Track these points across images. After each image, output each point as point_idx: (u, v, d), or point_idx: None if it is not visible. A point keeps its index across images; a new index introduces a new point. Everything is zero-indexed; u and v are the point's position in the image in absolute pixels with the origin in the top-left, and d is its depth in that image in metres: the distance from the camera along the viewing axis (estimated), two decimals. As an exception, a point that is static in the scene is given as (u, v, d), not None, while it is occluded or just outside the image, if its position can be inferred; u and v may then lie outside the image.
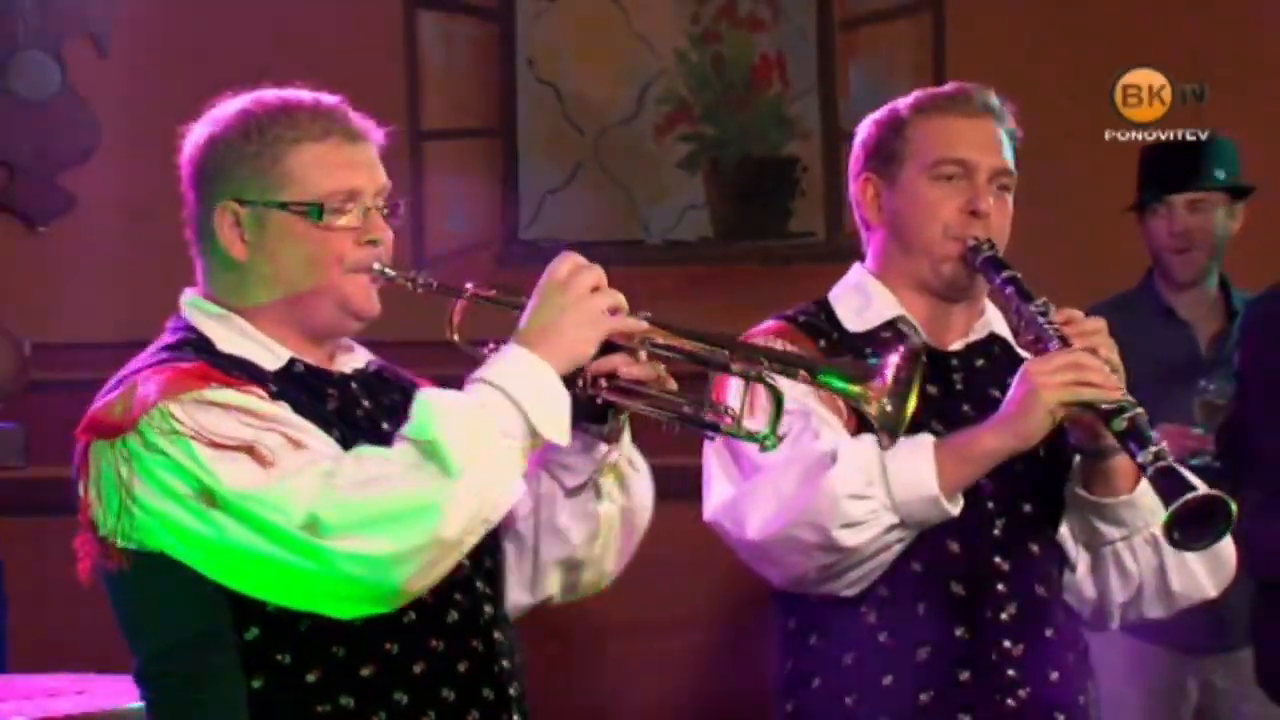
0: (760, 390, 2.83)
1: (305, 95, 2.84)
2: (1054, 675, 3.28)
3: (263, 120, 2.79)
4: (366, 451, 2.65)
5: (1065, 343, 3.16)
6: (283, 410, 2.69)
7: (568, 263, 2.74)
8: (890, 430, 2.85)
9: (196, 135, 2.83)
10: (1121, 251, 5.63)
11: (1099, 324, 3.21)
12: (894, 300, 3.37)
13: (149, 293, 6.06)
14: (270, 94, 2.84)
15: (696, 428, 2.85)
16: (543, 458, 2.82)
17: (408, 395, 2.84)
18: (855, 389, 2.84)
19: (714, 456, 3.32)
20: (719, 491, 3.28)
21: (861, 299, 3.39)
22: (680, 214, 6.50)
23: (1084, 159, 5.86)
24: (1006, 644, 3.25)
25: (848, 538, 3.15)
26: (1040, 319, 3.20)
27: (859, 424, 3.22)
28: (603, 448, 2.84)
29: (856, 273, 3.44)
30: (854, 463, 3.14)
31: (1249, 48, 6.43)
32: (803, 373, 2.86)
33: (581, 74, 6.47)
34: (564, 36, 6.48)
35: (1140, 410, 3.07)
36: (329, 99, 2.84)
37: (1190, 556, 3.27)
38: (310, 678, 2.70)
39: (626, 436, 2.87)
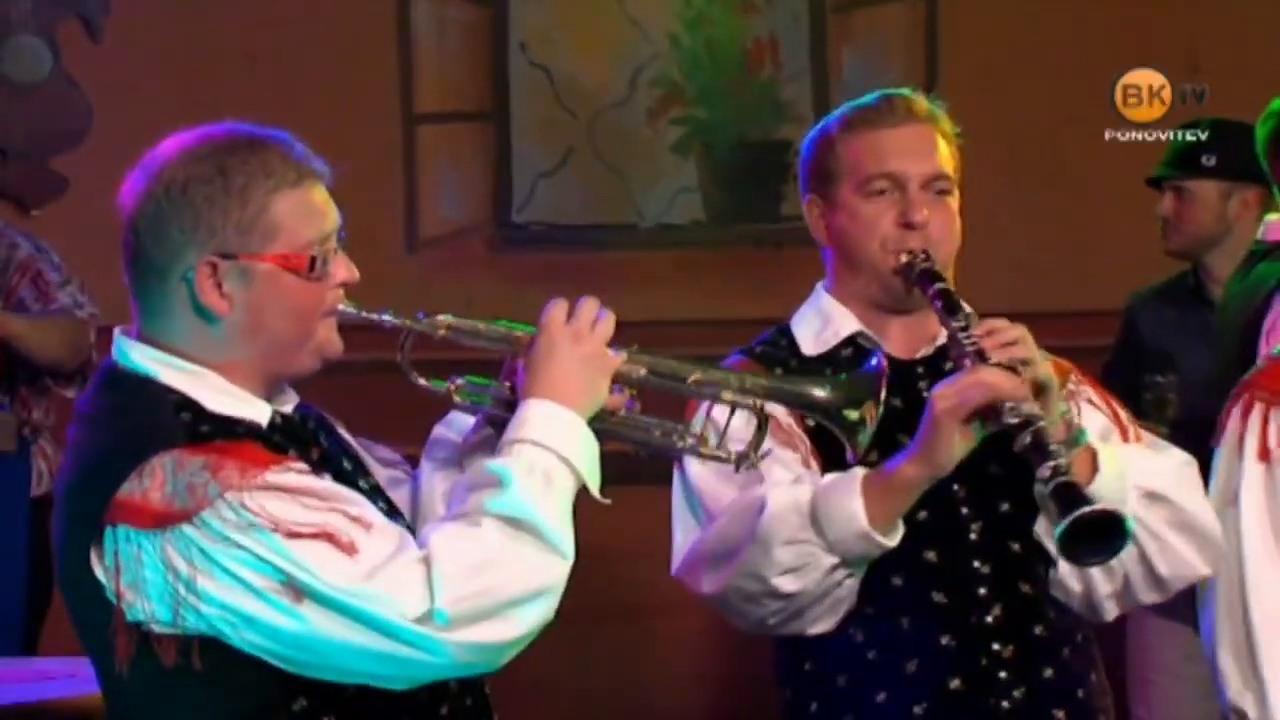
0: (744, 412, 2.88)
1: (259, 132, 2.71)
2: (1048, 672, 3.20)
3: (231, 165, 2.66)
4: (451, 532, 2.59)
5: (981, 357, 3.06)
6: (329, 484, 2.62)
7: (562, 308, 2.74)
8: (867, 443, 2.86)
9: (149, 181, 2.67)
10: (1121, 249, 5.61)
11: (1018, 332, 3.10)
12: (851, 316, 3.32)
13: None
14: (220, 132, 2.70)
15: (669, 453, 2.88)
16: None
17: (318, 418, 2.85)
18: (853, 415, 2.82)
19: (677, 513, 3.28)
20: (678, 544, 3.25)
21: (820, 321, 3.34)
22: (673, 198, 6.49)
23: (1084, 159, 5.83)
24: (995, 647, 3.18)
25: (788, 584, 3.10)
26: (960, 335, 3.11)
27: (821, 455, 3.19)
28: None
29: (816, 294, 3.40)
30: (785, 508, 3.08)
31: (1249, 48, 6.40)
32: (758, 388, 2.84)
33: (574, 57, 6.48)
34: (556, 20, 6.48)
35: (1043, 424, 2.98)
36: (281, 135, 2.72)
37: (1174, 538, 3.20)
38: None
39: None
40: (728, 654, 6.06)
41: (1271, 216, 4.77)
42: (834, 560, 3.09)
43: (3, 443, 5.22)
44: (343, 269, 2.72)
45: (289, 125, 2.78)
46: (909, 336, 3.32)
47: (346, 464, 2.79)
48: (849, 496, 3.07)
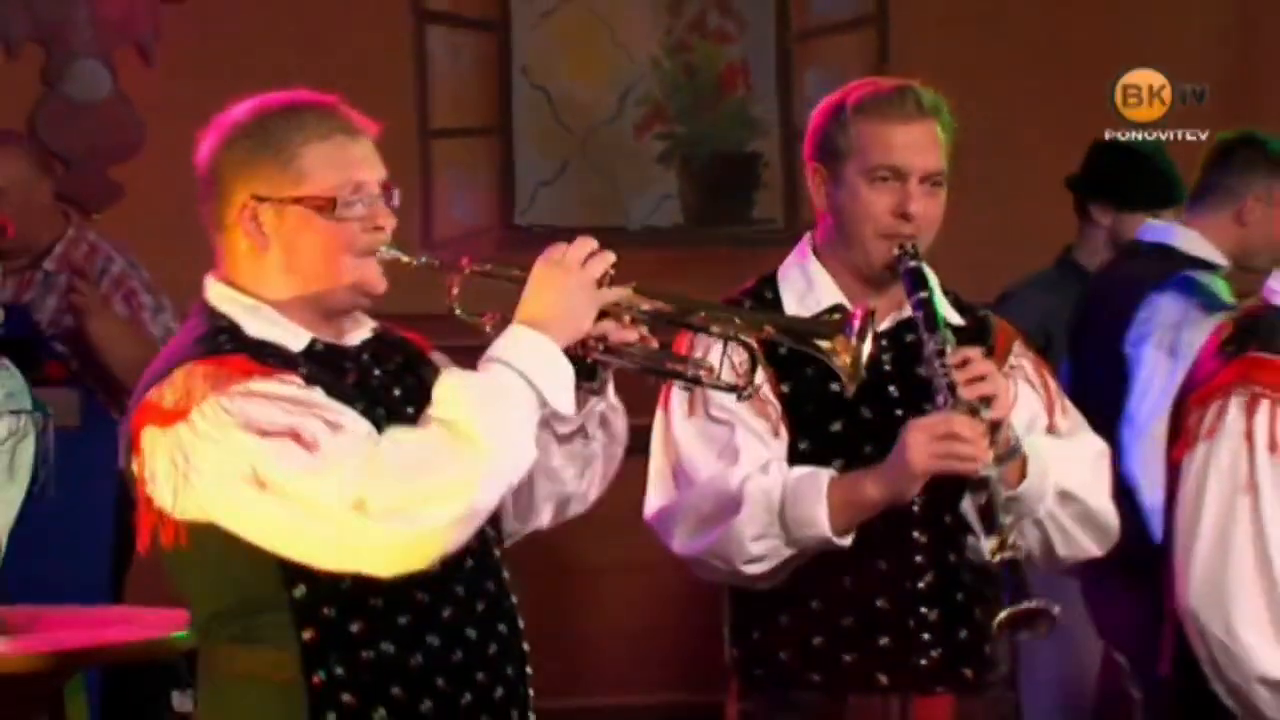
0: (736, 346, 2.87)
1: (308, 96, 2.79)
2: (963, 634, 3.21)
3: (271, 122, 2.74)
4: (401, 435, 2.62)
5: (953, 392, 3.06)
6: (317, 395, 2.65)
7: (560, 247, 2.72)
8: (851, 378, 2.83)
9: (212, 139, 2.77)
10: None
11: (987, 368, 3.10)
12: (833, 286, 3.28)
13: (190, 271, 6.02)
14: (276, 97, 2.79)
15: (679, 381, 2.87)
16: None
17: (408, 355, 2.88)
18: (825, 345, 2.81)
19: (655, 458, 3.28)
20: (654, 497, 3.25)
21: (804, 282, 3.31)
22: (657, 203, 6.52)
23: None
24: (923, 610, 3.19)
25: (752, 569, 3.15)
26: (936, 360, 3.09)
27: (791, 420, 3.21)
28: (591, 400, 2.83)
29: (804, 251, 3.36)
30: (759, 507, 3.11)
31: (1249, 48, 6.26)
32: (769, 329, 2.84)
33: (570, 79, 6.51)
34: (555, 47, 6.51)
35: (999, 489, 3.03)
36: (328, 98, 2.79)
37: (1077, 531, 3.23)
38: (354, 628, 2.68)
39: (610, 385, 2.86)
40: (704, 605, 6.05)
41: (1154, 220, 4.74)
42: (793, 553, 3.14)
43: (69, 418, 5.21)
44: (382, 215, 2.76)
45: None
46: (881, 308, 3.28)
47: (398, 391, 2.80)
48: (815, 506, 3.11)
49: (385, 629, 2.69)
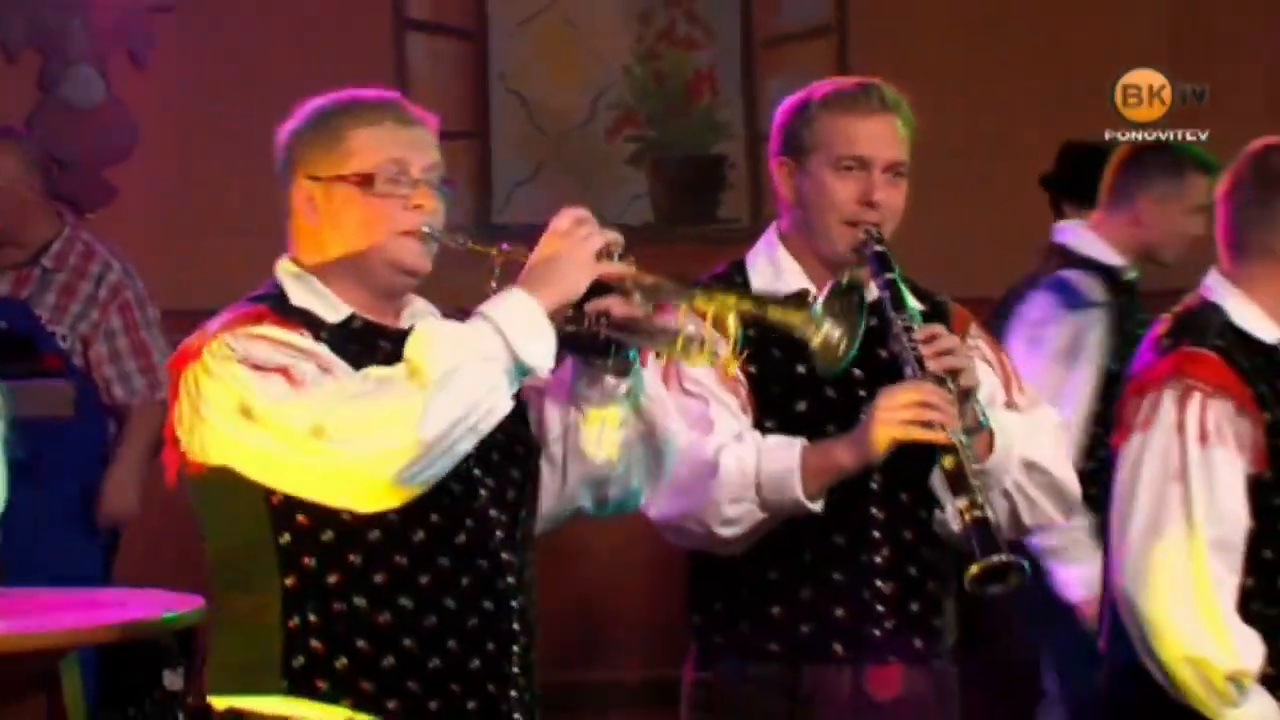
0: (727, 323, 2.85)
1: (369, 92, 2.85)
2: (915, 606, 3.25)
3: (330, 112, 2.82)
4: (371, 370, 2.68)
5: (920, 365, 3.09)
6: (322, 348, 2.71)
7: (566, 217, 2.74)
8: (825, 357, 2.76)
9: (283, 132, 2.85)
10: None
11: (953, 342, 3.14)
12: (800, 272, 3.32)
13: (184, 271, 6.02)
14: (340, 93, 2.86)
15: (675, 353, 2.85)
16: (569, 390, 2.83)
17: None
18: (795, 320, 2.82)
19: None
20: None
21: (773, 270, 3.34)
22: (627, 203, 6.58)
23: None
24: (878, 583, 3.22)
25: (726, 531, 3.18)
26: (903, 335, 3.12)
27: (757, 399, 3.24)
28: (611, 380, 2.82)
29: (770, 240, 3.39)
30: (734, 471, 3.15)
31: (1249, 48, 6.25)
32: (752, 309, 2.84)
33: (544, 85, 6.60)
34: (531, 54, 6.59)
35: (967, 453, 3.04)
36: (388, 93, 2.85)
37: (1042, 499, 3.26)
38: (331, 579, 2.71)
39: (639, 368, 2.85)
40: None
41: (1062, 222, 4.76)
42: (765, 516, 3.15)
43: (62, 409, 5.23)
44: (421, 196, 2.79)
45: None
46: None
47: None
48: (788, 472, 3.15)
49: (360, 584, 2.71)
